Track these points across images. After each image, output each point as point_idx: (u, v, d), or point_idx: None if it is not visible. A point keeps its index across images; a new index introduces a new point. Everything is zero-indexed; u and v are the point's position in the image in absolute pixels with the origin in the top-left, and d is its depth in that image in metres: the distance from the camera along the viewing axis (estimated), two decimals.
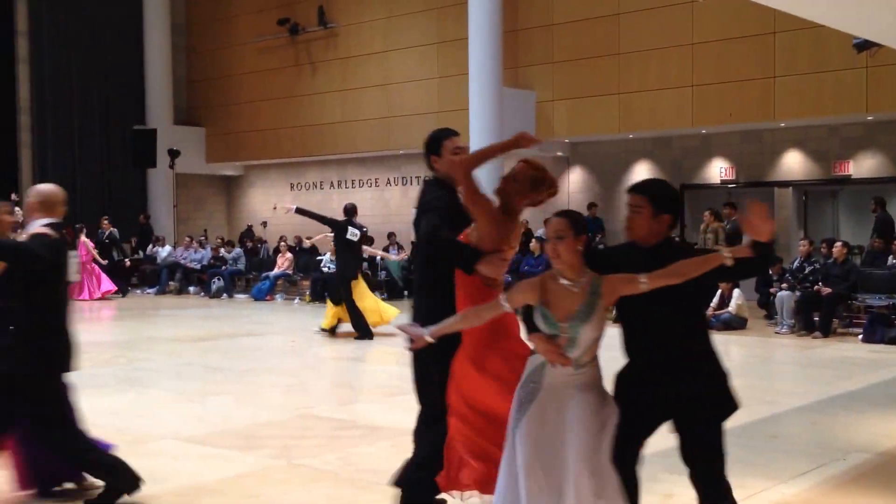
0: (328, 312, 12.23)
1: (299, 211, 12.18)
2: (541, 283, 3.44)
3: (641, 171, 17.75)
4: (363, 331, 11.65)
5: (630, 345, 3.63)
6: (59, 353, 4.67)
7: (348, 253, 11.75)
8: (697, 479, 3.59)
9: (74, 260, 4.99)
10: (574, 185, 19.02)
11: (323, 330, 12.20)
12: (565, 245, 3.39)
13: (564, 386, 3.43)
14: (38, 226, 4.70)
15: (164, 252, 20.10)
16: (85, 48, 21.84)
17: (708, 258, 3.39)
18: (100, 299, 17.52)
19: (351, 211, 12.18)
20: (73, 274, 4.98)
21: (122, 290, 18.68)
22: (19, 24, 21.19)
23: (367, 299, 11.92)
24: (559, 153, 18.83)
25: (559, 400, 3.42)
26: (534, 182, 3.97)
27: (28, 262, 4.47)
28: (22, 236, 4.93)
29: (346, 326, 11.94)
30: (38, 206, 4.85)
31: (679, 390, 3.53)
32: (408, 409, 7.30)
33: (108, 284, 17.84)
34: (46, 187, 5.02)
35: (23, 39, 21.21)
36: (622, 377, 3.65)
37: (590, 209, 17.38)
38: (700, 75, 16.16)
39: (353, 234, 11.69)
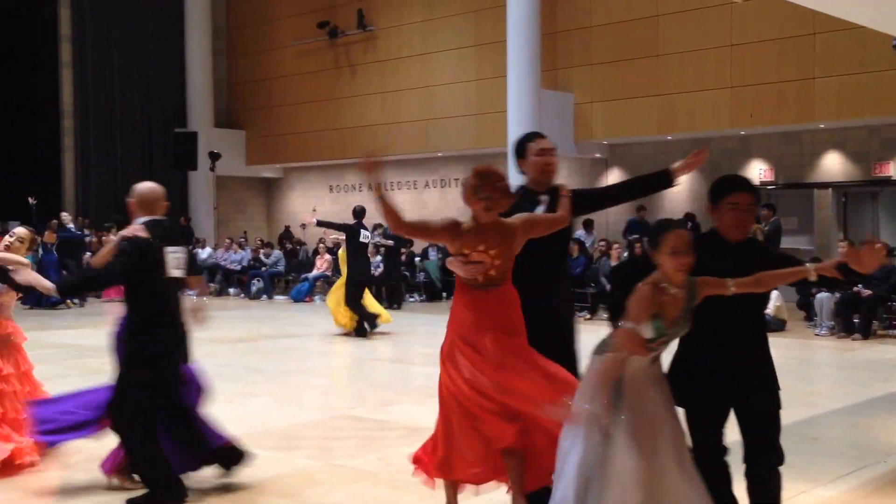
0: (344, 314, 12.26)
1: (320, 223, 12.45)
2: (651, 295, 3.48)
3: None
4: (361, 331, 12.06)
5: (694, 341, 3.71)
6: (163, 345, 4.90)
7: (361, 255, 12.09)
8: (756, 475, 3.73)
9: (174, 255, 4.97)
10: None
11: (346, 333, 12.35)
12: (692, 259, 3.47)
13: (645, 377, 3.55)
14: (136, 225, 4.91)
15: (204, 254, 20.38)
16: (127, 53, 22.21)
17: (794, 272, 3.58)
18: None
19: (360, 213, 12.35)
20: (173, 269, 4.98)
21: None
22: (63, 30, 21.59)
23: (368, 299, 12.34)
24: (597, 155, 18.79)
25: (639, 392, 3.53)
26: (473, 188, 4.09)
27: (106, 284, 5.00)
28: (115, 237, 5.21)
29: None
30: (137, 206, 5.02)
31: (746, 386, 3.73)
32: None
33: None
34: (143, 186, 5.15)
35: (66, 44, 21.61)
36: (682, 373, 3.74)
37: (639, 212, 17.23)
38: (739, 76, 16.04)
39: (364, 236, 12.07)
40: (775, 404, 3.78)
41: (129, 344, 4.84)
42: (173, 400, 5.02)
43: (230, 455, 5.23)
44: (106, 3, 21.85)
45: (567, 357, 4.30)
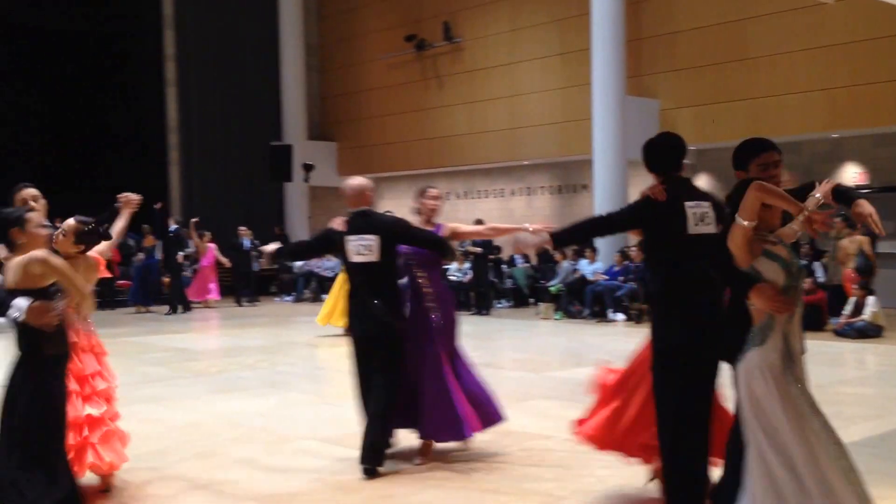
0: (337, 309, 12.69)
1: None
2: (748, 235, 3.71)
3: None
4: None
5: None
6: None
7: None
8: None
9: (355, 242, 5.76)
10: None
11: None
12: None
13: (798, 344, 3.76)
14: (339, 218, 5.89)
15: (299, 262, 21.01)
16: (227, 70, 23.04)
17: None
18: (200, 303, 18.57)
19: None
20: (353, 255, 5.79)
21: (251, 298, 19.59)
22: (167, 49, 22.58)
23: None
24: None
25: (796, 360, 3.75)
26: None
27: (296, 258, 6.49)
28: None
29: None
30: (349, 200, 5.86)
31: None
32: (535, 414, 7.66)
33: (215, 293, 18.79)
34: (349, 181, 6.01)
35: (171, 63, 22.56)
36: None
37: None
38: (831, 78, 15.77)
39: None
40: None
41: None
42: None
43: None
44: (207, 24, 22.74)
45: None
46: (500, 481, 5.58)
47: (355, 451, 5.75)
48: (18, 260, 4.14)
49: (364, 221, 5.80)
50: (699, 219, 4.39)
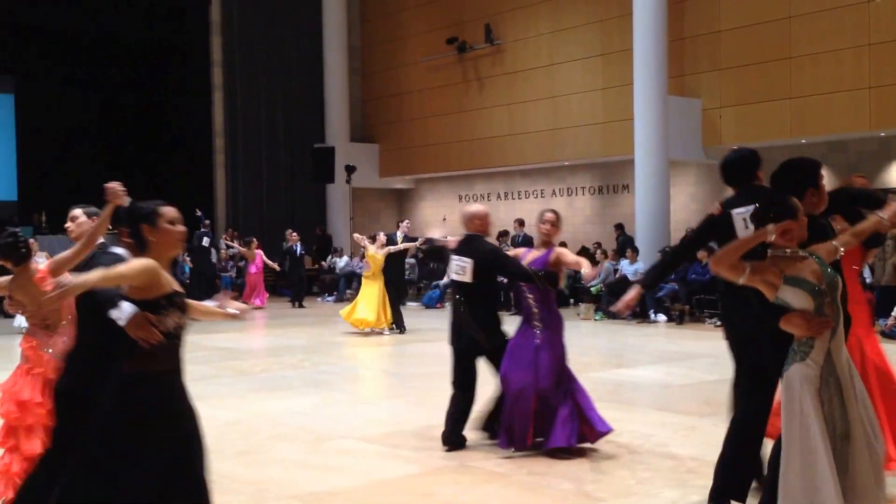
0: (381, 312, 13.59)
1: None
2: (772, 261, 3.86)
3: None
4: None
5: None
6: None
7: (397, 261, 14.50)
8: None
9: (456, 262, 6.40)
10: None
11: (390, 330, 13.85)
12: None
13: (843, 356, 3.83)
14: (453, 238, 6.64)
15: (341, 262, 21.18)
16: (271, 75, 23.32)
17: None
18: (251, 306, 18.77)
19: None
20: (452, 272, 6.47)
21: (298, 300, 19.68)
22: (214, 55, 22.91)
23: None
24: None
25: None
26: None
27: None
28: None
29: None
30: (463, 223, 6.57)
31: None
32: None
33: (261, 301, 18.63)
34: (466, 207, 6.78)
35: (218, 69, 22.87)
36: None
37: None
38: (878, 76, 15.53)
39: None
40: None
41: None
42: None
43: None
44: (252, 30, 23.04)
45: None
46: (540, 481, 5.60)
47: (395, 451, 5.80)
48: (138, 262, 3.62)
49: (467, 245, 6.45)
50: (746, 225, 4.57)
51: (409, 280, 20.30)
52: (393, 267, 14.16)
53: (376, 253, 13.78)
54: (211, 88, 22.82)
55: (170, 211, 3.73)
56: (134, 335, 3.56)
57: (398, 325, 14.01)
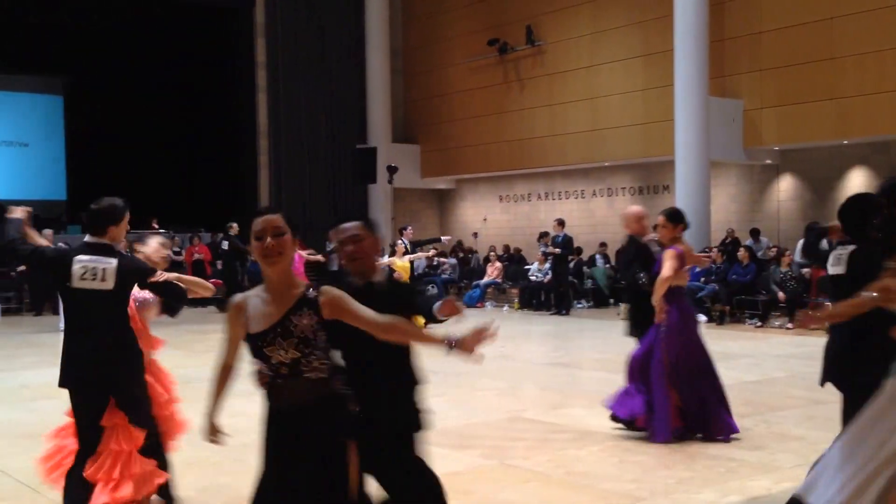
0: None
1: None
2: None
3: (857, 178, 17.14)
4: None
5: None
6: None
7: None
8: None
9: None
10: (784, 193, 18.61)
11: None
12: None
13: None
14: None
15: (382, 261, 21.45)
16: (314, 76, 23.52)
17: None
18: None
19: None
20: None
21: None
22: (259, 57, 23.23)
23: None
24: (768, 161, 18.49)
25: None
26: None
27: None
28: None
29: None
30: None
31: None
32: None
33: None
34: (626, 209, 7.47)
35: (262, 70, 23.16)
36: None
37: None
38: None
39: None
40: None
41: None
42: None
43: None
44: (296, 31, 23.28)
45: None
46: (579, 481, 5.67)
47: (434, 448, 5.88)
48: None
49: (627, 245, 7.27)
50: (836, 260, 4.56)
51: (450, 279, 20.53)
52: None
53: (403, 261, 14.07)
54: (255, 90, 23.12)
55: (254, 224, 3.24)
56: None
57: None
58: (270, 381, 3.22)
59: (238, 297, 3.29)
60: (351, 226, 3.74)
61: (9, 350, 12.50)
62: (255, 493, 3.26)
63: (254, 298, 3.25)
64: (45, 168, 23.81)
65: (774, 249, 16.19)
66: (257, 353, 3.23)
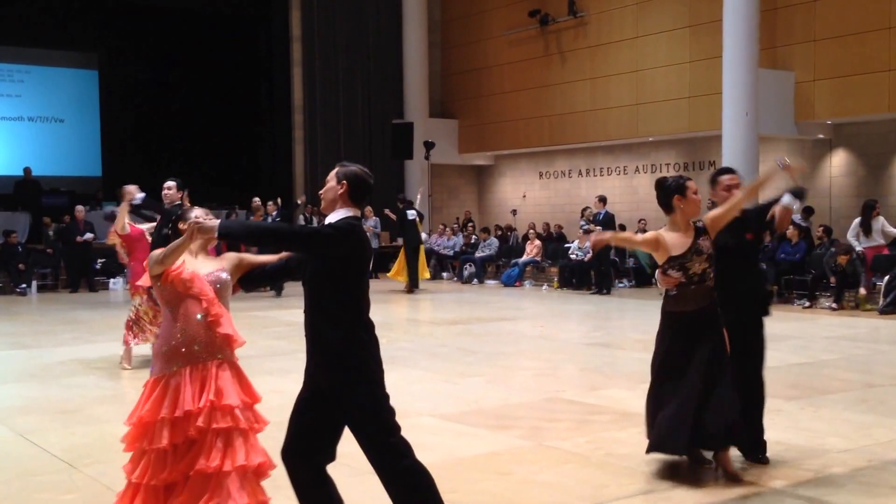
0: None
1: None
2: None
3: None
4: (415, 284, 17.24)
5: None
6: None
7: (411, 228, 17.37)
8: None
9: None
10: (837, 168, 17.96)
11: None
12: None
13: None
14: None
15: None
16: (350, 50, 23.32)
17: None
18: None
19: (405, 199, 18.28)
20: None
21: None
22: (294, 31, 22.99)
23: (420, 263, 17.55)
24: (820, 136, 17.84)
25: None
26: None
27: None
28: None
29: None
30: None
31: None
32: None
33: None
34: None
35: (297, 44, 22.95)
36: None
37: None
38: None
39: (410, 215, 17.46)
40: None
41: None
42: None
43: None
44: (332, 3, 23.05)
45: None
46: (618, 462, 5.51)
47: (473, 429, 5.73)
48: None
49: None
50: None
51: (488, 257, 20.15)
52: (411, 234, 17.34)
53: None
54: (290, 64, 22.92)
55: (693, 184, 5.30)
56: None
57: (413, 284, 17.24)
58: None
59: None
60: None
61: (45, 326, 12.56)
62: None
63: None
64: (81, 144, 23.79)
65: (821, 228, 15.61)
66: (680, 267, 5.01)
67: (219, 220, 3.65)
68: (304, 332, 3.81)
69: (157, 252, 3.87)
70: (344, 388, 3.73)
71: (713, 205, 5.59)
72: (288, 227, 4.79)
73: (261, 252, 4.31)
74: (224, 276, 4.01)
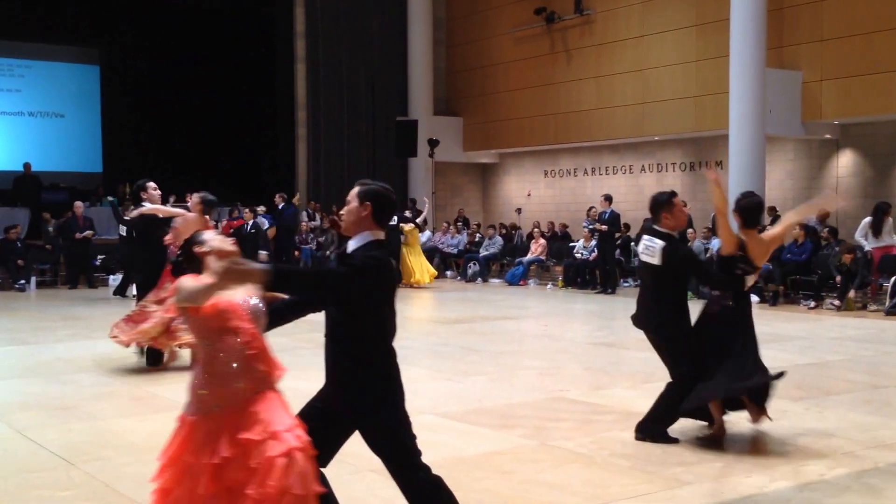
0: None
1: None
2: None
3: None
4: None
5: None
6: None
7: (392, 232, 16.61)
8: None
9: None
10: (844, 169, 17.85)
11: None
12: None
13: None
14: None
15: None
16: (354, 46, 23.20)
17: None
18: None
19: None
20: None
21: None
22: (298, 27, 22.89)
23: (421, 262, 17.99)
24: (827, 136, 17.73)
25: None
26: None
27: None
28: None
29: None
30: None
31: None
32: None
33: None
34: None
35: (301, 40, 22.81)
36: None
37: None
38: None
39: (393, 220, 16.18)
40: None
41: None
42: None
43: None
44: (336, 1, 22.94)
45: None
46: (623, 462, 5.48)
47: (476, 428, 5.70)
48: None
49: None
50: None
51: (493, 255, 20.07)
52: (394, 237, 16.97)
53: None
54: (294, 60, 22.83)
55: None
56: None
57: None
58: None
59: None
60: None
61: (44, 323, 12.53)
62: None
63: None
64: (81, 139, 23.71)
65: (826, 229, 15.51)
66: None
67: (258, 265, 3.20)
68: (325, 357, 3.81)
69: (190, 285, 3.35)
70: (364, 415, 3.67)
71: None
72: (318, 274, 4.75)
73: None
74: (259, 304, 3.59)
